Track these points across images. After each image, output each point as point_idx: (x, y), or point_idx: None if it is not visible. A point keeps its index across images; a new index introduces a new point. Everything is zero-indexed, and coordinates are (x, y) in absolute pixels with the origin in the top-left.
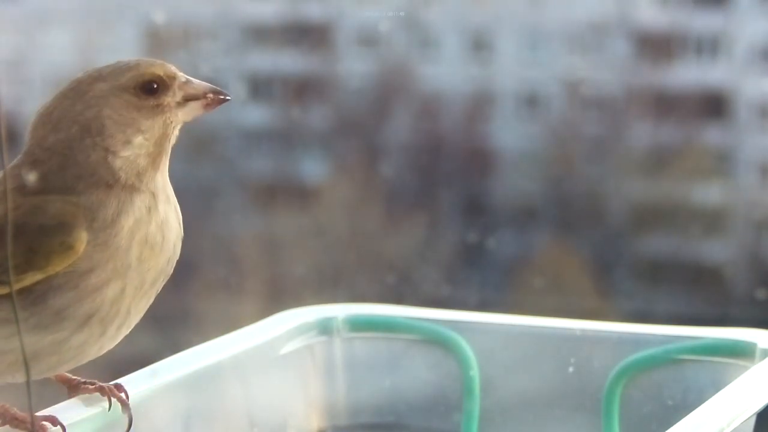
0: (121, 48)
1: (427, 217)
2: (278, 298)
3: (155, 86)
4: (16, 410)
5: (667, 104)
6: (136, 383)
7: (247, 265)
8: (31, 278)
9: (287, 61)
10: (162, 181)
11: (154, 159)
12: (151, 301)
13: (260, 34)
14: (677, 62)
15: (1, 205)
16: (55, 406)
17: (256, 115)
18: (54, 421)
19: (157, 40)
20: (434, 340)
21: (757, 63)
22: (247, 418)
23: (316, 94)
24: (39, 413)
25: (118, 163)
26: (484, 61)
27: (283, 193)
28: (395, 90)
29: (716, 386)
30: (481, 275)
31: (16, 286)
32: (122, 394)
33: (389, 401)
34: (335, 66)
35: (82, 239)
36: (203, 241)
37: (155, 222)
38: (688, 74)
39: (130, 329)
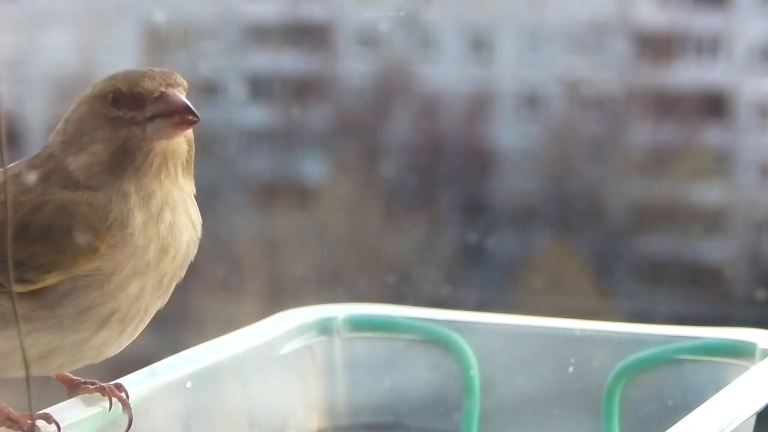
0: (121, 48)
1: (427, 217)
2: (278, 298)
3: (120, 99)
4: (11, 410)
5: (667, 104)
6: (136, 383)
7: (247, 265)
8: (55, 278)
9: (287, 61)
10: (171, 186)
11: (113, 169)
12: (165, 301)
13: (260, 34)
14: (677, 62)
15: (4, 210)
16: (55, 406)
17: (256, 115)
18: (48, 418)
19: (157, 40)
20: (434, 340)
21: (757, 63)
22: (247, 418)
23: (316, 94)
24: (37, 413)
25: (72, 165)
26: (484, 61)
27: (283, 193)
28: (395, 90)
29: (716, 386)
30: (481, 275)
31: (39, 285)
32: (122, 394)
33: (389, 401)
34: (335, 66)
35: (106, 240)
36: (203, 241)
37: (163, 225)
38: (688, 74)
39: (142, 328)
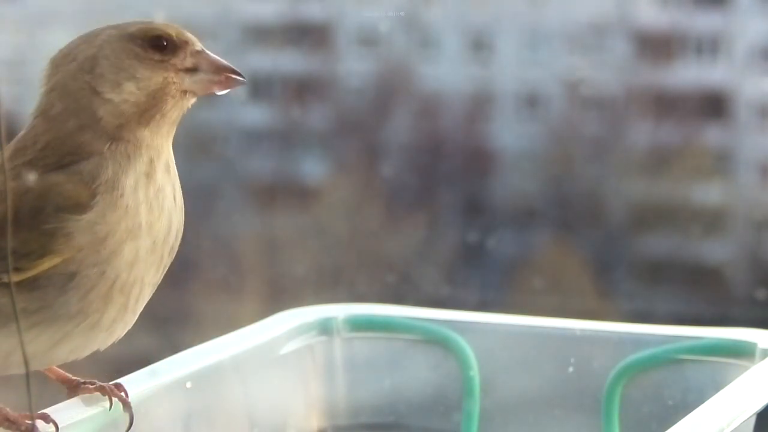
0: None
1: (427, 217)
2: (278, 298)
3: (164, 43)
4: (8, 410)
5: (667, 104)
6: (136, 383)
7: (247, 265)
8: (48, 263)
9: (287, 61)
10: (161, 147)
11: (142, 113)
12: (160, 277)
13: (260, 34)
14: (677, 62)
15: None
16: (55, 406)
17: (256, 115)
18: (47, 418)
19: None
20: (434, 340)
21: (757, 63)
22: (247, 418)
23: (316, 94)
24: (36, 413)
25: (101, 107)
26: (484, 61)
27: (283, 193)
28: (395, 90)
29: (716, 386)
30: (481, 275)
31: (33, 272)
32: (122, 394)
33: (389, 401)
34: (335, 66)
35: (91, 206)
36: (203, 241)
37: (153, 187)
38: (688, 74)
39: (143, 305)
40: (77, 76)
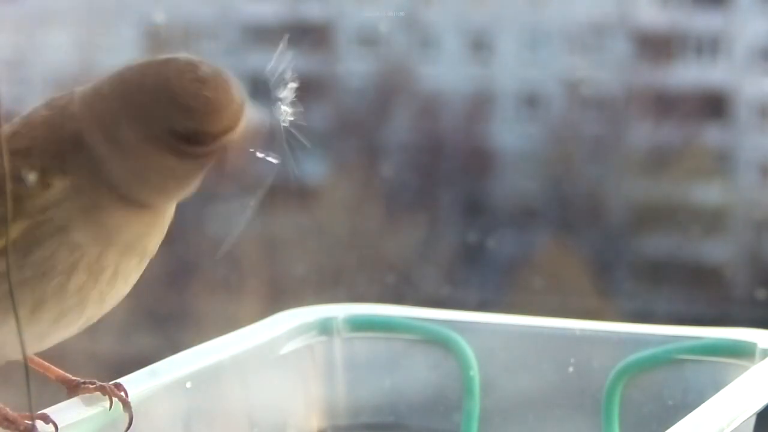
0: (121, 48)
1: (427, 217)
2: (278, 298)
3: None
4: (8, 410)
5: (667, 104)
6: (136, 383)
7: (247, 265)
8: (19, 227)
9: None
10: None
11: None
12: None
13: (260, 34)
14: (677, 62)
15: None
16: (55, 406)
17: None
18: (46, 419)
19: (157, 40)
20: (434, 340)
21: (757, 63)
22: (247, 418)
23: (316, 94)
24: (35, 413)
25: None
26: (484, 61)
27: (283, 193)
28: (395, 90)
29: (716, 386)
30: (481, 275)
31: (2, 240)
32: (122, 394)
33: (389, 401)
34: (335, 66)
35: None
36: (203, 240)
37: None
38: (688, 74)
39: (127, 282)
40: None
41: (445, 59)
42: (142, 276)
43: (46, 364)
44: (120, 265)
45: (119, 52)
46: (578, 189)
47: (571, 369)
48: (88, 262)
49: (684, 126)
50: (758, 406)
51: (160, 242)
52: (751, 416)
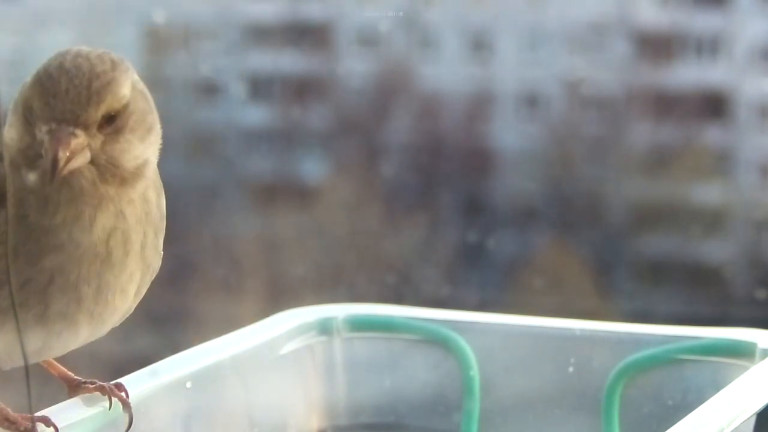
0: (121, 48)
1: (427, 217)
2: (278, 298)
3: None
4: (9, 411)
5: (667, 104)
6: (136, 383)
7: (247, 265)
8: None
9: (287, 61)
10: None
11: None
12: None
13: (260, 34)
14: (677, 62)
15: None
16: (55, 406)
17: (256, 115)
18: (47, 421)
19: (157, 40)
20: (434, 340)
21: (757, 63)
22: (247, 418)
23: (316, 94)
24: (36, 414)
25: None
26: (484, 61)
27: (283, 193)
28: (395, 90)
29: (716, 386)
30: (481, 275)
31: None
32: (122, 394)
33: (389, 401)
34: (335, 66)
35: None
36: (203, 241)
37: None
38: (688, 74)
39: (125, 297)
40: None
41: (445, 59)
42: None
43: (50, 360)
44: (102, 279)
45: (119, 52)
46: (578, 189)
47: (571, 369)
48: (60, 285)
49: (684, 126)
50: (758, 406)
51: (142, 239)
52: (751, 416)
